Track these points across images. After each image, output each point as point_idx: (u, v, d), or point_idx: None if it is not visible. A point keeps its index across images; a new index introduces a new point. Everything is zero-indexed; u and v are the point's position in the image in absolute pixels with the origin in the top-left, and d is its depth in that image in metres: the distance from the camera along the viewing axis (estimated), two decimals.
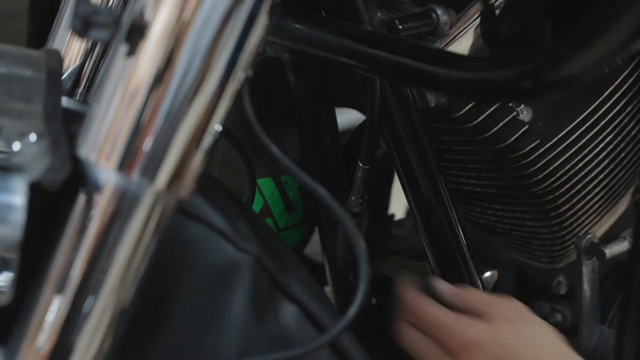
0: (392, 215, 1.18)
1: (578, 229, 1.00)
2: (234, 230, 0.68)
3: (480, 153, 0.92)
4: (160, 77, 0.53)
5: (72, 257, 0.56)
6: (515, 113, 0.87)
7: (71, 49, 0.74)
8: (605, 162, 0.96)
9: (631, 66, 0.92)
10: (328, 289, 1.04)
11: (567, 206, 0.96)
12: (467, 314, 0.83)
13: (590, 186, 0.96)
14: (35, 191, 0.55)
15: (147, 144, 0.54)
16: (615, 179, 0.99)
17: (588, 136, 0.92)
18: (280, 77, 1.01)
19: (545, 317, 1.06)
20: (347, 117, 1.12)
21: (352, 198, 0.94)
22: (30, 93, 0.58)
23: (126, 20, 0.53)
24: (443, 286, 0.87)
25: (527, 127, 0.88)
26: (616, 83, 0.92)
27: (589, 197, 0.97)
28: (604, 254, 0.97)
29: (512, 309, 0.84)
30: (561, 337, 0.84)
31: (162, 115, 0.54)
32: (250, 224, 0.70)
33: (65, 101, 0.64)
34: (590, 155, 0.94)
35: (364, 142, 0.89)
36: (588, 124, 0.92)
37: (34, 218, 0.55)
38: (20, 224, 0.54)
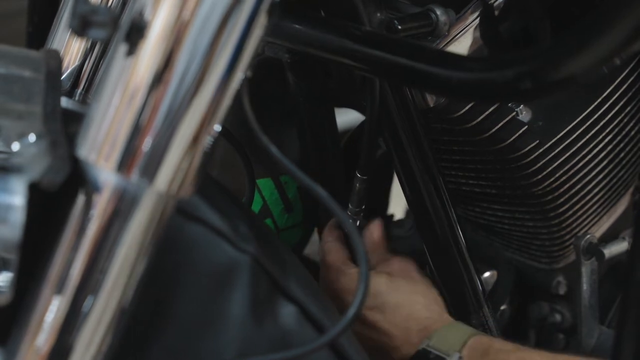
0: (392, 215, 1.18)
1: (577, 229, 0.99)
2: (233, 230, 0.68)
3: (479, 153, 0.91)
4: (159, 77, 0.53)
5: (71, 257, 0.56)
6: (514, 113, 0.87)
7: (70, 49, 0.74)
8: (605, 162, 0.96)
9: (630, 66, 0.92)
10: None
11: (566, 206, 0.96)
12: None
13: (590, 186, 0.96)
14: (35, 191, 0.55)
15: (147, 144, 0.54)
16: (615, 179, 0.99)
17: (587, 136, 0.92)
18: (280, 77, 1.01)
19: (544, 317, 1.06)
20: (347, 117, 1.12)
21: (350, 206, 0.94)
22: (29, 93, 0.58)
23: (126, 20, 0.53)
24: (368, 237, 0.97)
25: (526, 127, 0.88)
26: (615, 83, 0.92)
27: (588, 197, 0.97)
28: (603, 254, 0.97)
29: (399, 265, 0.94)
30: (438, 299, 0.92)
31: (162, 115, 0.53)
32: (249, 225, 0.70)
33: (64, 101, 0.64)
34: (590, 155, 0.94)
35: (362, 152, 0.89)
36: (587, 124, 0.91)
37: (33, 218, 0.55)
38: (19, 224, 0.54)
